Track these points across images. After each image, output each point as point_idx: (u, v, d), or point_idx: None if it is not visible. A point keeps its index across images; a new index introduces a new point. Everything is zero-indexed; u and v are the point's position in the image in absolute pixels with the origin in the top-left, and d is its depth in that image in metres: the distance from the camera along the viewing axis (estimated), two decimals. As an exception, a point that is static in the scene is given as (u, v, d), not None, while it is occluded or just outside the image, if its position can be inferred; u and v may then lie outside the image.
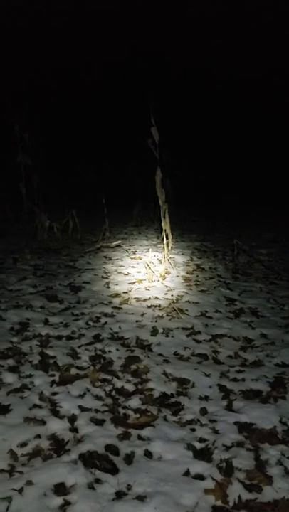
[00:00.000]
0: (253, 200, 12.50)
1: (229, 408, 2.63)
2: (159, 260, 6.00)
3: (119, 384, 2.89)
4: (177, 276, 5.36)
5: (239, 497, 1.93)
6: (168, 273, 5.43)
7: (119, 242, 7.21)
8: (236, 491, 1.97)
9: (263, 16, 14.05)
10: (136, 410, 2.60)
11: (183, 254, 6.59)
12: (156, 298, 4.54)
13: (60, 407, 2.60)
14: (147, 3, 14.66)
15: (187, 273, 5.52)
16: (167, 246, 5.42)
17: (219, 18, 14.60)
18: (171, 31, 15.03)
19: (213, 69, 14.44)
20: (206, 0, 14.40)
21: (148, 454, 2.21)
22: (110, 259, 6.26)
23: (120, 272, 5.51)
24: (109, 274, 5.41)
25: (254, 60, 14.50)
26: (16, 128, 7.15)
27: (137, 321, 3.93)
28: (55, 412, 2.54)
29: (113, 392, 2.79)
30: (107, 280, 5.15)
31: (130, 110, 11.50)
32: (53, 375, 2.96)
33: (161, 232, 5.65)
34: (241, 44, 14.51)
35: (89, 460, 2.14)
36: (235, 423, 2.47)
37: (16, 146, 7.24)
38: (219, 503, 1.91)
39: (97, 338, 3.57)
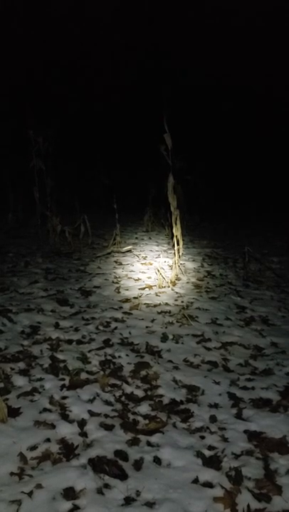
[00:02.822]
0: (265, 206, 12.46)
1: (239, 416, 2.62)
2: (170, 266, 6.01)
3: (128, 389, 2.90)
4: (188, 282, 5.36)
5: (248, 506, 1.93)
6: (178, 279, 5.44)
7: (130, 247, 7.22)
8: (245, 500, 1.96)
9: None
10: (145, 416, 2.60)
11: (194, 260, 6.58)
12: (167, 304, 4.55)
13: (70, 411, 2.61)
14: (161, 5, 14.75)
15: (198, 279, 5.52)
16: (178, 252, 5.43)
17: (235, 23, 14.64)
18: (186, 34, 15.07)
19: (229, 73, 14.47)
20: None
21: (157, 461, 2.21)
22: (121, 264, 6.28)
23: (131, 277, 5.52)
24: (119, 279, 5.42)
25: (271, 66, 14.50)
26: (31, 133, 7.22)
27: (147, 327, 3.94)
28: (65, 416, 2.55)
29: (123, 398, 2.80)
30: (117, 285, 5.16)
31: (144, 115, 11.55)
32: (63, 379, 2.98)
33: (172, 238, 5.66)
34: (258, 49, 14.51)
35: (98, 465, 2.15)
36: (245, 431, 2.46)
37: (30, 150, 7.31)
38: (228, 511, 1.91)
39: (107, 343, 3.58)
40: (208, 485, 2.06)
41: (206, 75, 14.49)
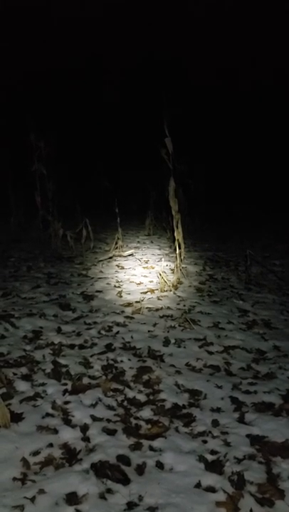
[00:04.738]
0: (267, 209, 12.45)
1: (241, 420, 2.62)
2: (172, 270, 6.01)
3: (131, 394, 2.90)
4: (190, 286, 5.37)
5: (251, 510, 1.93)
6: (180, 283, 5.44)
7: (131, 251, 7.24)
8: (248, 505, 1.96)
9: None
10: (148, 421, 2.60)
11: (195, 264, 6.59)
12: (169, 308, 4.55)
13: (73, 416, 2.61)
14: (162, 7, 14.77)
15: (200, 283, 5.52)
16: (180, 256, 5.43)
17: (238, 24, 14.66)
18: (186, 37, 15.10)
19: (230, 75, 14.47)
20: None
21: (159, 465, 2.22)
22: (123, 268, 6.29)
23: (133, 281, 5.53)
24: (121, 283, 5.43)
25: (273, 67, 14.49)
26: (32, 137, 7.25)
27: (149, 331, 3.94)
28: (68, 421, 2.56)
29: (125, 402, 2.80)
30: (119, 289, 5.17)
31: (145, 119, 11.58)
32: (66, 384, 2.98)
33: (173, 242, 5.66)
34: (263, 48, 14.51)
35: (101, 470, 2.15)
36: (247, 435, 2.46)
37: (31, 155, 7.34)
38: (231, 516, 1.91)
39: (109, 348, 3.59)
40: (211, 489, 2.06)
41: (206, 78, 14.51)
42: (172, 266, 6.19)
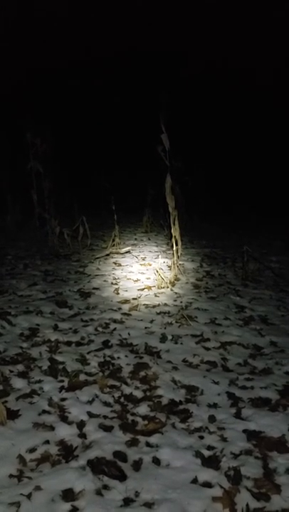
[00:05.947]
0: (264, 207, 12.44)
1: (238, 416, 2.62)
2: (169, 267, 6.01)
3: (127, 390, 2.90)
4: (187, 282, 5.37)
5: (247, 505, 1.93)
6: (177, 280, 5.44)
7: (128, 248, 7.23)
8: (244, 500, 1.96)
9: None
10: (144, 417, 2.60)
11: (193, 260, 6.59)
12: (166, 304, 4.55)
13: (69, 413, 2.61)
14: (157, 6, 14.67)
15: (197, 280, 5.52)
16: (177, 252, 5.43)
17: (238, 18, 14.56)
18: (185, 30, 14.99)
19: (229, 70, 14.38)
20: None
21: (156, 461, 2.21)
22: (120, 265, 6.28)
23: (130, 278, 5.52)
24: (118, 281, 5.42)
25: (278, 61, 14.38)
26: (28, 135, 7.23)
27: (146, 328, 3.94)
28: (64, 418, 2.55)
29: (122, 399, 2.80)
30: (116, 286, 5.17)
31: (142, 116, 11.56)
32: (62, 381, 2.98)
33: (170, 239, 5.66)
34: (264, 43, 14.37)
35: (97, 466, 2.15)
36: (244, 431, 2.46)
37: (27, 152, 7.32)
38: (227, 511, 1.91)
39: (106, 345, 3.58)
40: (207, 485, 2.06)
41: (205, 76, 14.46)
42: (169, 263, 6.20)
